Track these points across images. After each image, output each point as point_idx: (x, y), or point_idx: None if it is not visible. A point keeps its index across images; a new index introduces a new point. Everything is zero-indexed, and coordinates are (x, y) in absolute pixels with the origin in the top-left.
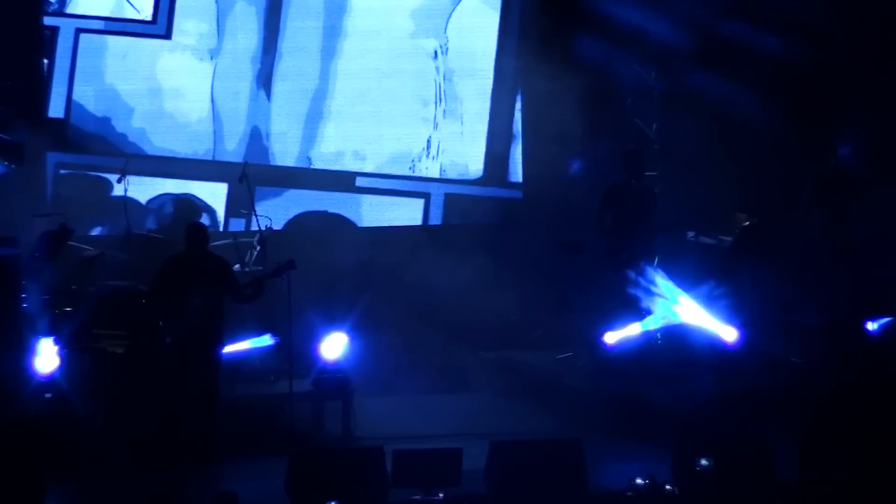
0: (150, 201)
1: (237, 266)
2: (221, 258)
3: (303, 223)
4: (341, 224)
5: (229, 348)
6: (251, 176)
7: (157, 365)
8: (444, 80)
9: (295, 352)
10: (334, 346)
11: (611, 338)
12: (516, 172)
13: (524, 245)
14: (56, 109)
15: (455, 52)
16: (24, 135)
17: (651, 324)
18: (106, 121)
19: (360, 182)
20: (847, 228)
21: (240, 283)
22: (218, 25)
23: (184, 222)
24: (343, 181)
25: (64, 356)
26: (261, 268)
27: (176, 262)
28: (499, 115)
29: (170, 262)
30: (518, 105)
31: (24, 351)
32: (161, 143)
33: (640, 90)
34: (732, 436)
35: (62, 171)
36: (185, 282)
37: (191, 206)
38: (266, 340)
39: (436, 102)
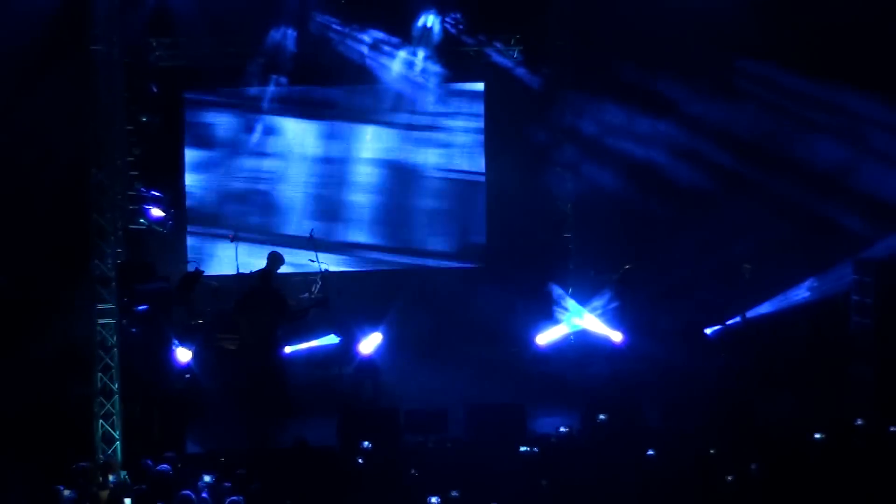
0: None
1: (305, 294)
2: (279, 292)
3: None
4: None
5: (306, 345)
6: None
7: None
8: None
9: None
10: (370, 342)
11: (541, 338)
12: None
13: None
14: None
15: None
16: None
17: (566, 329)
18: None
19: None
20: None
21: (291, 310)
22: None
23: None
24: None
25: (196, 352)
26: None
27: (251, 292)
28: None
29: (248, 293)
30: None
31: (172, 350)
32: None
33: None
34: (619, 400)
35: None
36: (259, 305)
37: (275, 257)
38: (332, 339)
39: None
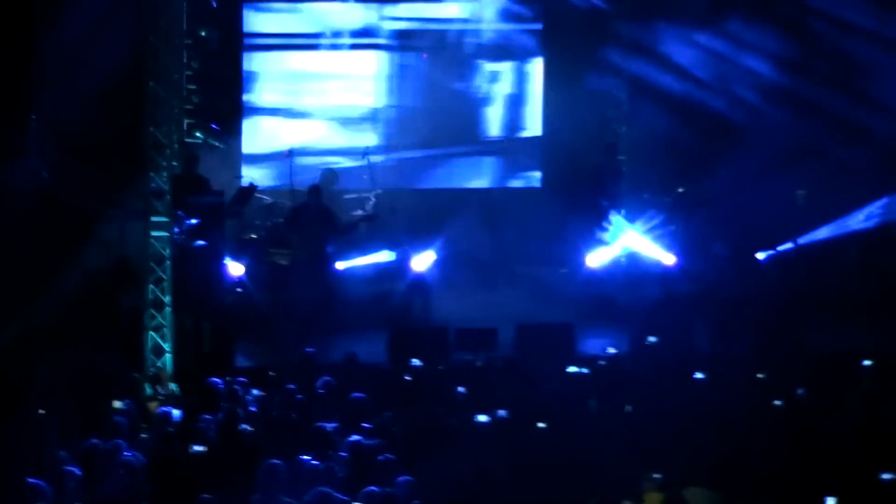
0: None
1: (358, 211)
2: (328, 207)
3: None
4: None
5: (361, 260)
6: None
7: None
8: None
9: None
10: (423, 260)
11: (592, 259)
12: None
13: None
14: None
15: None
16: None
17: (618, 250)
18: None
19: None
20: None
21: (340, 224)
22: None
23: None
24: None
25: (248, 266)
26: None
27: (302, 208)
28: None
29: (299, 207)
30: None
31: (224, 263)
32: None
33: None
34: (669, 322)
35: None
36: (309, 221)
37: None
38: (388, 255)
39: None
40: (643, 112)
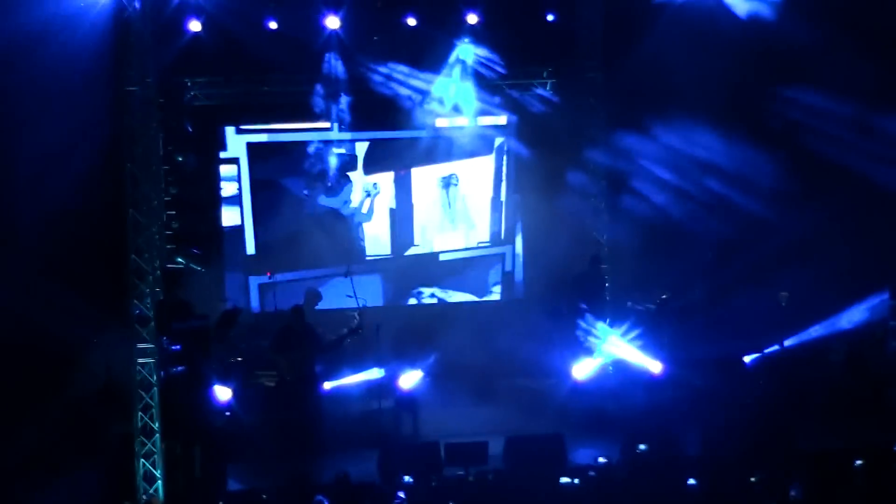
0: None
1: (344, 330)
2: (312, 326)
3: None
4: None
5: (348, 379)
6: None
7: (288, 393)
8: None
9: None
10: (410, 378)
11: (578, 369)
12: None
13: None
14: None
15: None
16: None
17: (603, 360)
18: None
19: None
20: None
21: (323, 342)
22: None
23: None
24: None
25: (235, 389)
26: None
27: (285, 329)
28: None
29: (283, 329)
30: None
31: (211, 388)
32: None
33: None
34: (658, 429)
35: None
36: (294, 342)
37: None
38: (378, 372)
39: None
40: (624, 219)
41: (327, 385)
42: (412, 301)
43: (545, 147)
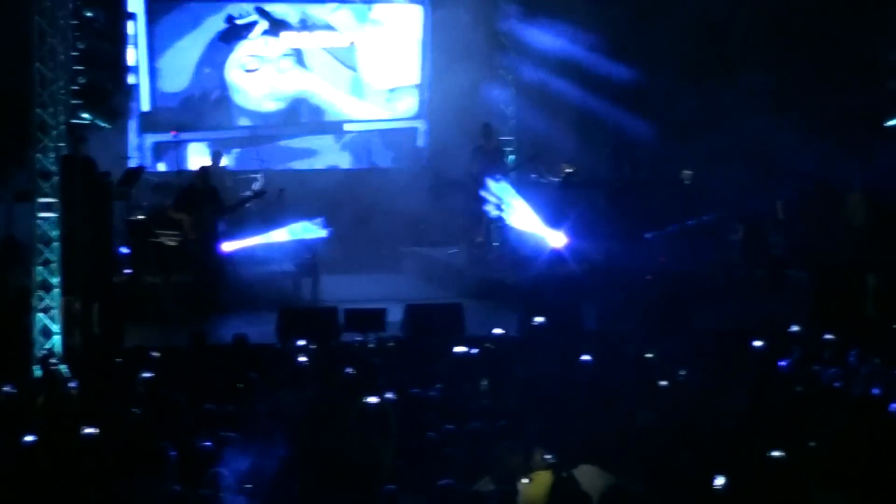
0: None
1: (247, 192)
2: (215, 187)
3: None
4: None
5: (250, 241)
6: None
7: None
8: None
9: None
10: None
11: (480, 238)
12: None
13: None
14: None
15: None
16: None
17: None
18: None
19: None
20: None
21: (228, 203)
22: None
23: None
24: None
25: (136, 247)
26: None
27: (189, 189)
28: None
29: (187, 189)
30: None
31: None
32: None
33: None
34: (556, 302)
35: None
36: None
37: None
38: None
39: None
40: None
41: (228, 246)
42: (317, 166)
43: (458, 18)
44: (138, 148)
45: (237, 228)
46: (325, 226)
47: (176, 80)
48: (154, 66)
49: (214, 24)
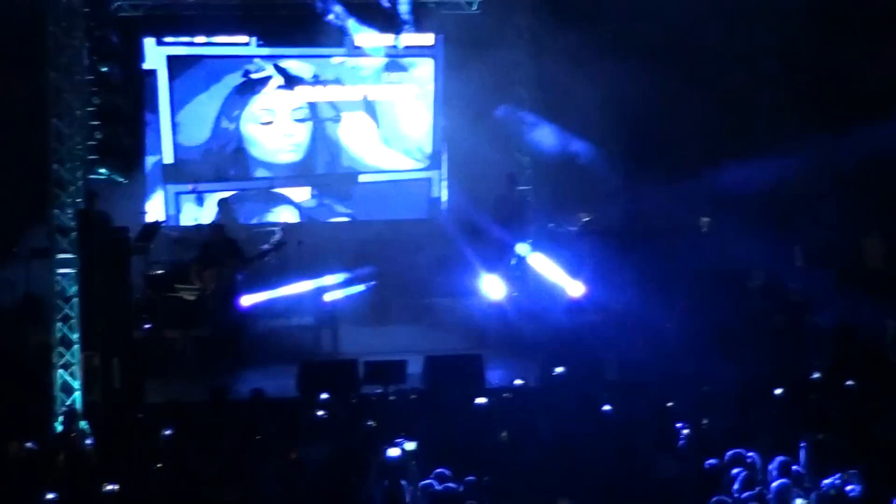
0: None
1: (265, 245)
2: (233, 239)
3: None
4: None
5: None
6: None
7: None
8: None
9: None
10: (333, 294)
11: (498, 290)
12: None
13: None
14: None
15: None
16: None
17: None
18: None
19: None
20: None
21: (245, 257)
22: None
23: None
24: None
25: (156, 302)
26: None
27: (207, 243)
28: None
29: (205, 245)
30: None
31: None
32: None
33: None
34: (577, 354)
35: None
36: (215, 256)
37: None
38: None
39: None
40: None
41: (248, 300)
42: (334, 219)
43: (473, 68)
44: (164, 200)
45: (256, 282)
46: (367, 279)
47: (195, 133)
48: (175, 121)
49: (232, 79)
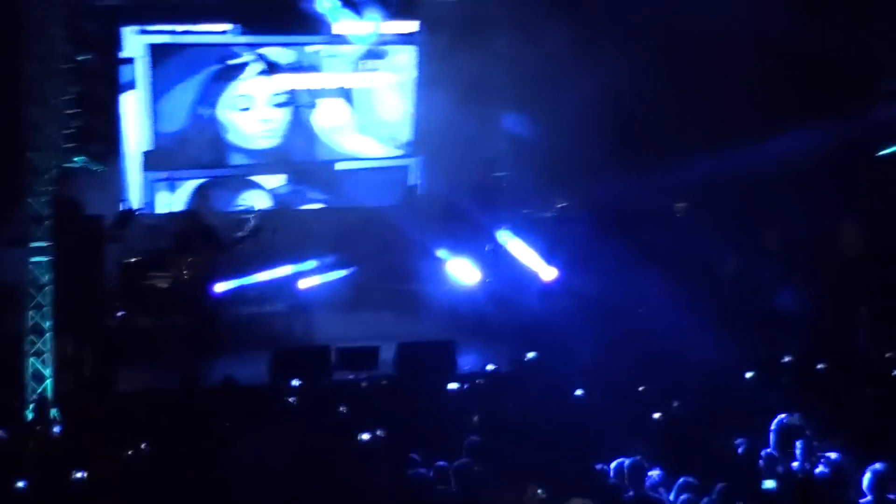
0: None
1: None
2: (210, 224)
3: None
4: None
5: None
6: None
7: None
8: None
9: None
10: (308, 280)
11: (471, 275)
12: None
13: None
14: None
15: None
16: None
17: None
18: None
19: None
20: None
21: (224, 242)
22: None
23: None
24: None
25: (128, 290)
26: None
27: (183, 230)
28: None
29: (181, 232)
30: None
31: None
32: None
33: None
34: (549, 339)
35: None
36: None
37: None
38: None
39: None
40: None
41: (222, 287)
42: (307, 206)
43: (454, 56)
44: (142, 187)
45: (230, 268)
46: (346, 265)
47: (173, 121)
48: (154, 109)
49: (210, 66)
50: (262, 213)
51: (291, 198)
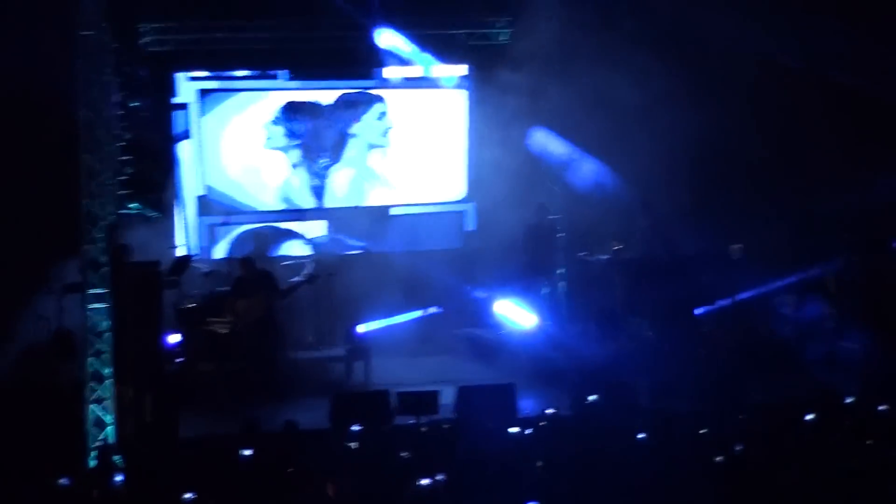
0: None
1: (296, 278)
2: (267, 271)
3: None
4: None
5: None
6: None
7: (241, 340)
8: None
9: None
10: (365, 326)
11: (530, 319)
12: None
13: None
14: None
15: None
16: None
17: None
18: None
19: None
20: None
21: (281, 288)
22: None
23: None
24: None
25: (187, 336)
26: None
27: (240, 279)
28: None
29: (237, 280)
30: None
31: (163, 333)
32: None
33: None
34: (609, 382)
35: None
36: (249, 289)
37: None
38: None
39: None
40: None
41: (281, 332)
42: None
43: (504, 98)
44: (197, 231)
45: (288, 314)
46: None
47: (225, 165)
48: (205, 154)
49: (260, 111)
50: (320, 259)
51: (331, 246)
